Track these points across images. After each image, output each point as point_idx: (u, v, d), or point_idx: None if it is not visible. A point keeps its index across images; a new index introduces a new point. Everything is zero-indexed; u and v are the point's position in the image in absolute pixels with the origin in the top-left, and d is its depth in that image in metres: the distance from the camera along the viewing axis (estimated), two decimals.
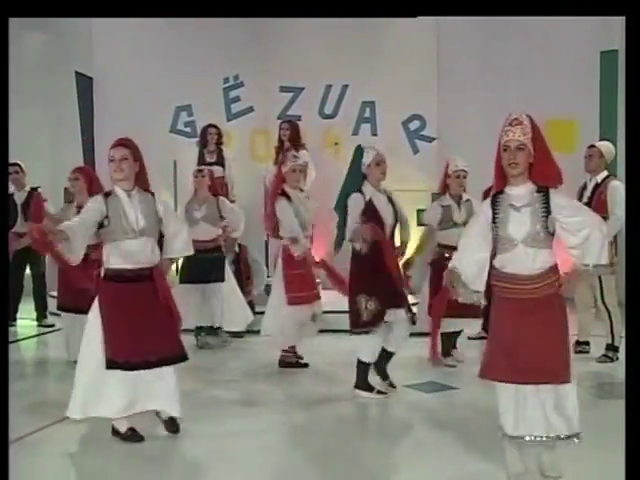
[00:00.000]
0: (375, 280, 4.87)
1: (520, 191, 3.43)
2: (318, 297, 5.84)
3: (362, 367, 5.07)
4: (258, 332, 6.08)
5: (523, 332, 3.38)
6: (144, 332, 4.01)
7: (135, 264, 4.05)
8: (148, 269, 4.08)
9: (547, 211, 3.38)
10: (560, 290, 3.43)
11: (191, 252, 4.43)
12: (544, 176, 3.42)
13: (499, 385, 3.48)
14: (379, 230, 4.88)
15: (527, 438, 3.44)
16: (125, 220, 4.03)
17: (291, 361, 5.98)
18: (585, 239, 3.38)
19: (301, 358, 6.04)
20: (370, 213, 4.87)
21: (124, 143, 4.08)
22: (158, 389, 4.11)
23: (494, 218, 3.47)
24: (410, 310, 5.07)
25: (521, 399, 3.43)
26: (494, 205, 3.48)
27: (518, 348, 3.38)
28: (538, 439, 3.43)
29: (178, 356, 4.15)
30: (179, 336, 4.21)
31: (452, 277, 3.55)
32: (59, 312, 6.30)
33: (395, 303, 4.93)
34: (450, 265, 3.60)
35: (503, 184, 3.50)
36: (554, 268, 3.44)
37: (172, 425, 4.23)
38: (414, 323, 5.09)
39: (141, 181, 4.16)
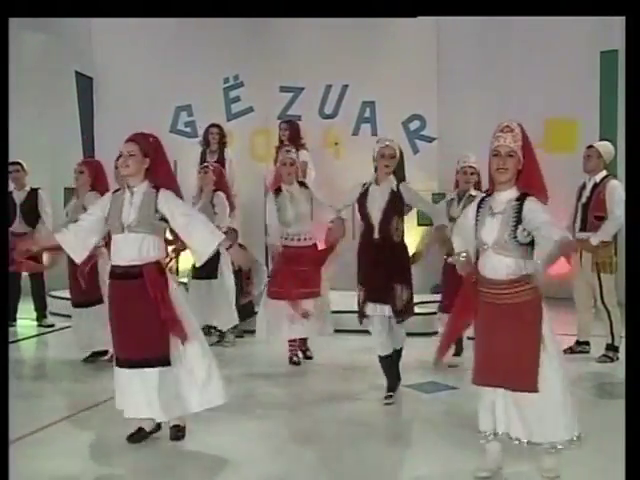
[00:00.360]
0: (361, 272, 4.98)
1: (503, 197, 3.45)
2: (309, 295, 5.71)
3: (381, 361, 5.04)
4: None
5: (492, 336, 3.43)
6: (127, 331, 3.98)
7: (123, 261, 4.01)
8: (137, 267, 3.97)
9: (517, 220, 3.37)
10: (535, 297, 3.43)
11: (214, 244, 3.99)
12: (528, 183, 3.44)
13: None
14: (339, 233, 5.19)
15: (504, 437, 3.52)
16: (118, 216, 4.01)
17: (294, 359, 6.04)
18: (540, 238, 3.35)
19: (309, 358, 6.12)
20: (360, 204, 4.99)
21: (134, 139, 4.05)
22: (140, 391, 4.00)
23: (476, 219, 3.52)
24: (397, 310, 4.85)
25: (496, 400, 3.51)
26: (478, 207, 3.54)
27: (487, 351, 3.46)
28: (520, 441, 3.48)
29: (154, 359, 3.96)
30: (166, 338, 3.96)
31: (462, 255, 3.62)
32: (65, 311, 6.29)
33: (373, 298, 4.89)
34: (456, 248, 3.70)
35: (493, 188, 3.52)
36: (529, 276, 3.39)
37: (176, 432, 4.19)
38: (399, 322, 4.91)
39: (154, 177, 4.06)
